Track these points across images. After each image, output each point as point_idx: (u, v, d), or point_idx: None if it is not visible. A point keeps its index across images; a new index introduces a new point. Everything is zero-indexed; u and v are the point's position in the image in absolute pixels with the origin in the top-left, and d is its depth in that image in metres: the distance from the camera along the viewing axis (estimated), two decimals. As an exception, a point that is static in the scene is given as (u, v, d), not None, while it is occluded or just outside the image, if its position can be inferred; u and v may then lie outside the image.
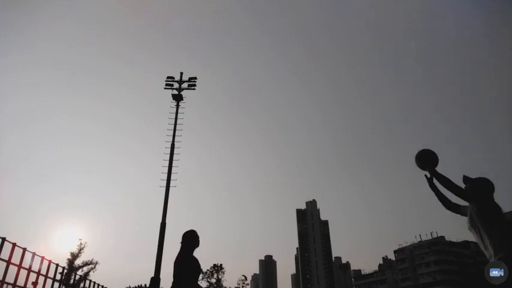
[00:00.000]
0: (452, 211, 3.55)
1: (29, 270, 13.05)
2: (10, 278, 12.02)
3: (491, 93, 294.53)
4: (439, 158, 3.85)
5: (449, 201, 3.58)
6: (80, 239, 33.71)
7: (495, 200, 3.32)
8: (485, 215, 3.19)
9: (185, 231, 4.27)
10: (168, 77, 24.38)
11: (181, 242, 4.18)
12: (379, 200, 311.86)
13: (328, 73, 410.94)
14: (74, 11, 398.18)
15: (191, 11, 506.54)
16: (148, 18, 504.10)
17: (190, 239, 4.18)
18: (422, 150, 3.95)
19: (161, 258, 18.08)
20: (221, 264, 35.77)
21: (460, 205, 3.50)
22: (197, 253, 4.17)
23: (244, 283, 34.69)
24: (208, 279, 34.45)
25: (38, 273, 13.72)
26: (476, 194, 3.31)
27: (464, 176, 3.49)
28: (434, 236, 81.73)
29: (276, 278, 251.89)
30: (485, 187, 3.36)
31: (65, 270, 20.12)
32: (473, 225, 3.28)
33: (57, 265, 15.84)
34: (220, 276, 34.78)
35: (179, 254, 4.08)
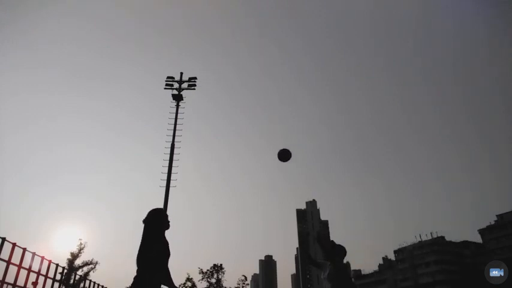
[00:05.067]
0: (313, 265, 5.29)
1: (29, 270, 13.05)
2: (10, 278, 12.02)
3: (491, 92, 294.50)
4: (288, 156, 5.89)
5: (314, 260, 5.28)
6: (80, 239, 33.49)
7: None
8: (339, 274, 4.52)
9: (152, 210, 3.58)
10: (168, 77, 24.44)
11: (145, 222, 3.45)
12: (379, 200, 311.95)
13: (329, 73, 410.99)
14: (74, 12, 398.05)
15: (191, 11, 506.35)
16: (148, 19, 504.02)
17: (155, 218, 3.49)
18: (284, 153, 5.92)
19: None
20: (221, 264, 35.72)
21: (318, 262, 5.08)
22: (198, 253, 3.94)
23: (244, 283, 34.61)
24: (208, 279, 34.41)
25: (38, 273, 13.72)
26: (336, 256, 4.69)
27: (331, 240, 4.89)
28: (434, 236, 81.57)
29: (276, 278, 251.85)
30: (343, 252, 4.79)
31: (65, 270, 20.09)
32: (329, 279, 4.53)
33: (57, 265, 15.83)
34: (220, 276, 34.76)
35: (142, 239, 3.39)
